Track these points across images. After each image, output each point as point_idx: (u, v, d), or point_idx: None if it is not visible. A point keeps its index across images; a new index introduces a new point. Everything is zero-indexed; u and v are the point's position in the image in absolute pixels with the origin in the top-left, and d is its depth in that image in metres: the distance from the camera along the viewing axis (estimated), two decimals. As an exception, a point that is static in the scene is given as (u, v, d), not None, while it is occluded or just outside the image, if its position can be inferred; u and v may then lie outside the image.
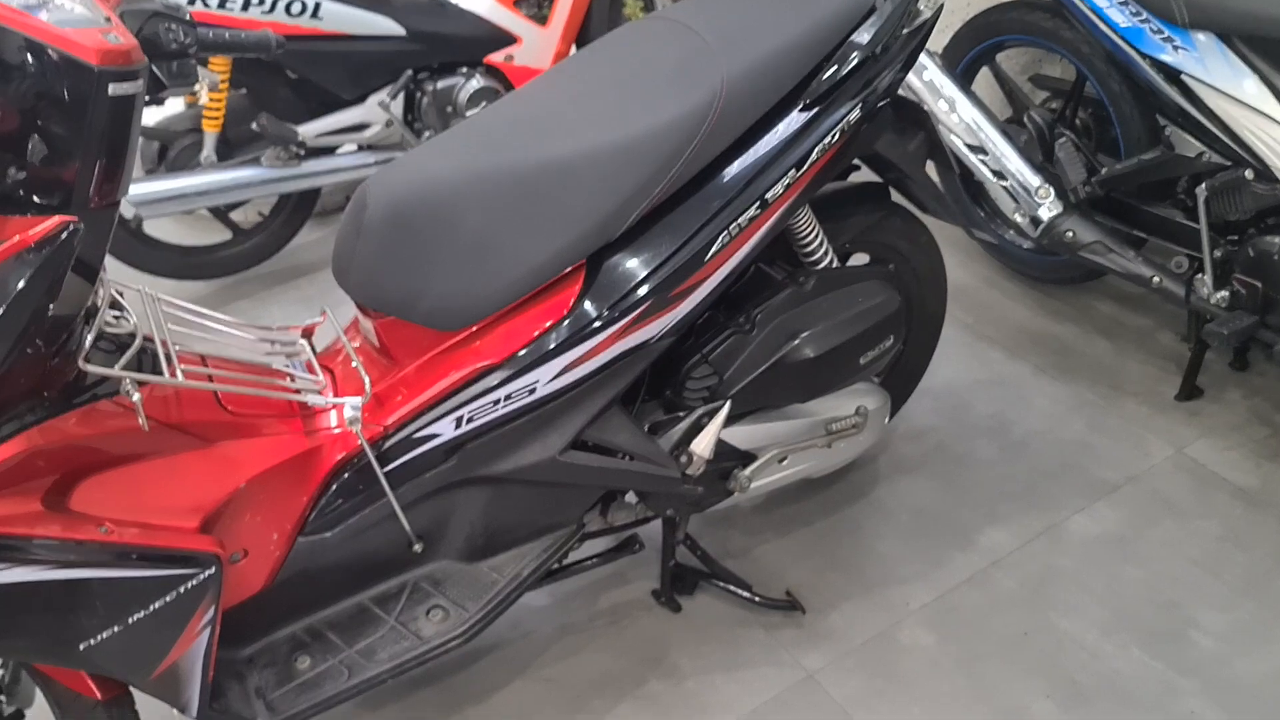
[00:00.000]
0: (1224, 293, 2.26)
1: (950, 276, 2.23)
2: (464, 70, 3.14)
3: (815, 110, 1.71)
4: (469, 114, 3.08)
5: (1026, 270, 2.89)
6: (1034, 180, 2.45)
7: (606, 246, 1.64)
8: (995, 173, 2.50)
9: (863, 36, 1.74)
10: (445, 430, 1.64)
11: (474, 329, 1.63)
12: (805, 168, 1.71)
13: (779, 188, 1.69)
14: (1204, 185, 2.21)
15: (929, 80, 2.55)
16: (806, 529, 2.28)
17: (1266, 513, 2.26)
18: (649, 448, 1.77)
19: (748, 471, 1.91)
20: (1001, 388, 2.64)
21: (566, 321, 1.63)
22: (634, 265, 1.65)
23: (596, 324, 1.64)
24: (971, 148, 2.52)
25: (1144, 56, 2.23)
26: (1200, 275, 2.29)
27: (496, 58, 3.16)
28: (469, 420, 1.64)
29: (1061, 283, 2.88)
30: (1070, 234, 2.43)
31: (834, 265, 1.94)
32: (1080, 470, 2.39)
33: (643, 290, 1.65)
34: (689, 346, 1.85)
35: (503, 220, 1.58)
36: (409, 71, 3.05)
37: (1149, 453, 2.42)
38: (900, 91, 1.87)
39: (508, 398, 1.64)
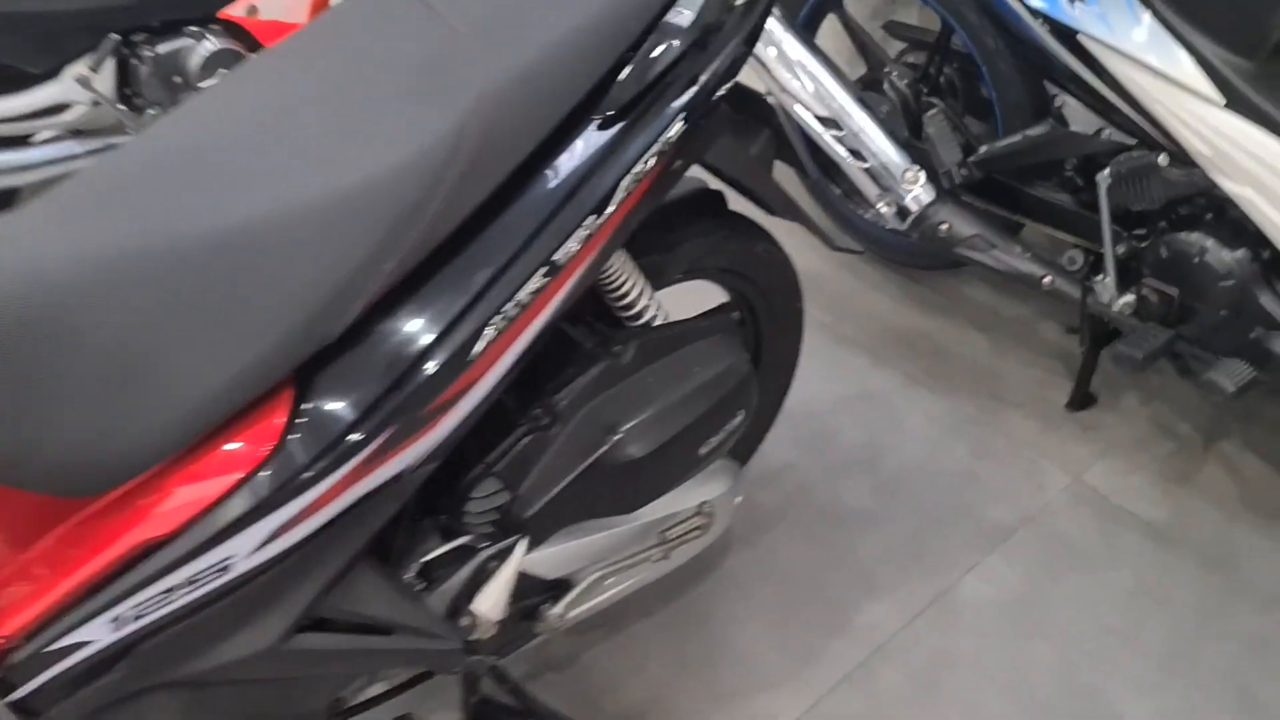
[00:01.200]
0: (1129, 298, 1.88)
1: (801, 263, 1.76)
2: (193, 29, 2.48)
3: (619, 126, 1.20)
4: (204, 84, 2.44)
5: (888, 255, 2.47)
6: (899, 161, 2.00)
7: (322, 353, 1.11)
8: (853, 151, 2.04)
9: (681, 16, 1.23)
10: (99, 635, 1.10)
11: (122, 492, 1.08)
12: (610, 210, 1.20)
13: (573, 243, 1.18)
14: (1106, 170, 1.80)
15: (767, 29, 2.05)
16: (645, 621, 1.83)
17: (1181, 553, 1.92)
18: (414, 614, 1.26)
19: (559, 608, 1.43)
20: (869, 406, 2.22)
21: (268, 469, 1.09)
22: (366, 377, 1.12)
23: (316, 467, 1.11)
24: (823, 120, 2.05)
25: (1029, 10, 1.78)
26: (1100, 276, 1.90)
27: (236, 10, 2.51)
28: (135, 618, 1.10)
29: (929, 269, 2.47)
30: (945, 226, 2.00)
31: (659, 320, 1.45)
32: (968, 512, 2.00)
33: (383, 412, 1.12)
34: (468, 449, 1.34)
35: (156, 325, 1.02)
36: (113, 35, 2.38)
37: (1043, 484, 2.05)
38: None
39: (190, 582, 1.11)
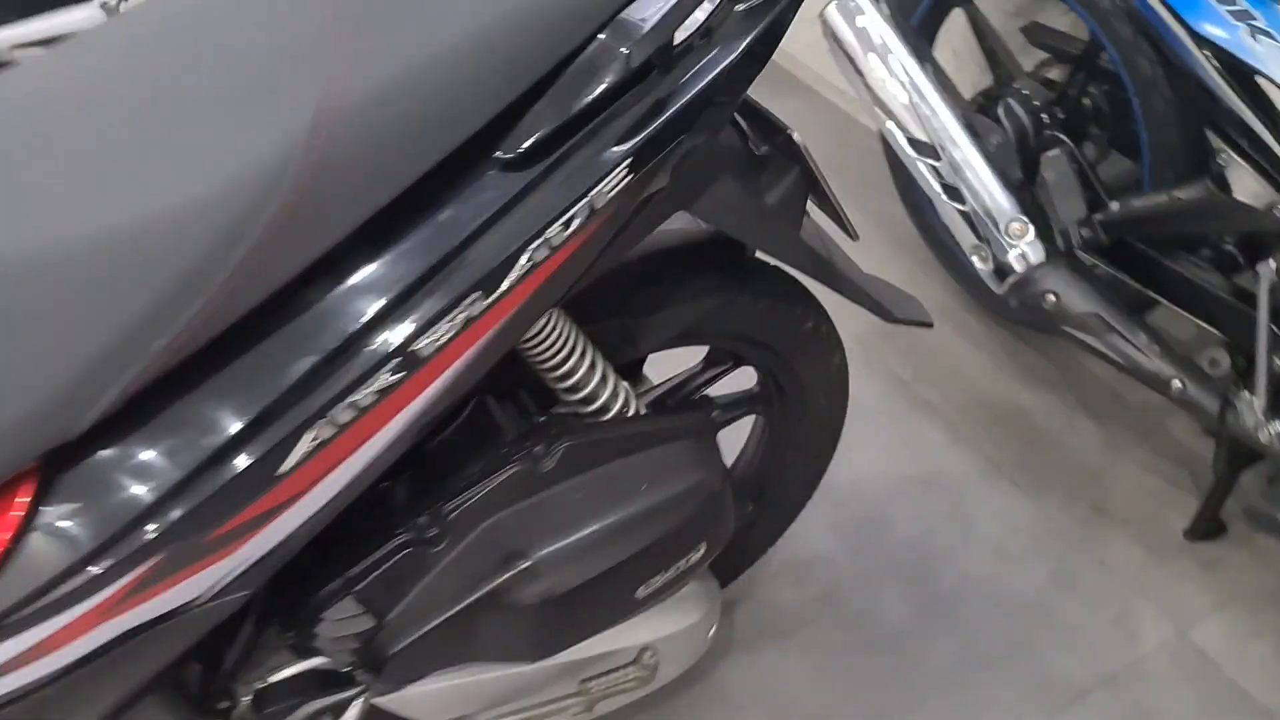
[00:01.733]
0: (1281, 426, 1.43)
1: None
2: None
3: (533, 169, 0.85)
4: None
5: (992, 303, 2.04)
6: (1005, 208, 1.58)
7: (73, 444, 0.81)
8: (949, 188, 1.63)
9: (644, 13, 0.87)
10: None
11: None
12: (504, 287, 0.86)
13: (444, 329, 0.84)
14: (1272, 261, 1.35)
15: (862, 27, 1.65)
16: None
17: (1304, 759, 1.49)
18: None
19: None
20: (935, 494, 1.83)
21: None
22: (122, 489, 0.81)
23: (54, 594, 0.81)
24: (916, 145, 1.64)
25: (1196, 37, 1.34)
26: (1247, 394, 1.46)
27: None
28: None
29: (1043, 330, 2.03)
30: (1052, 297, 1.58)
31: (623, 408, 1.10)
32: (1032, 656, 1.60)
33: (145, 535, 0.82)
34: (332, 549, 1.03)
35: None
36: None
37: (1137, 634, 1.63)
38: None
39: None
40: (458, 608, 1.01)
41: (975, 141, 1.61)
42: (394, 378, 0.84)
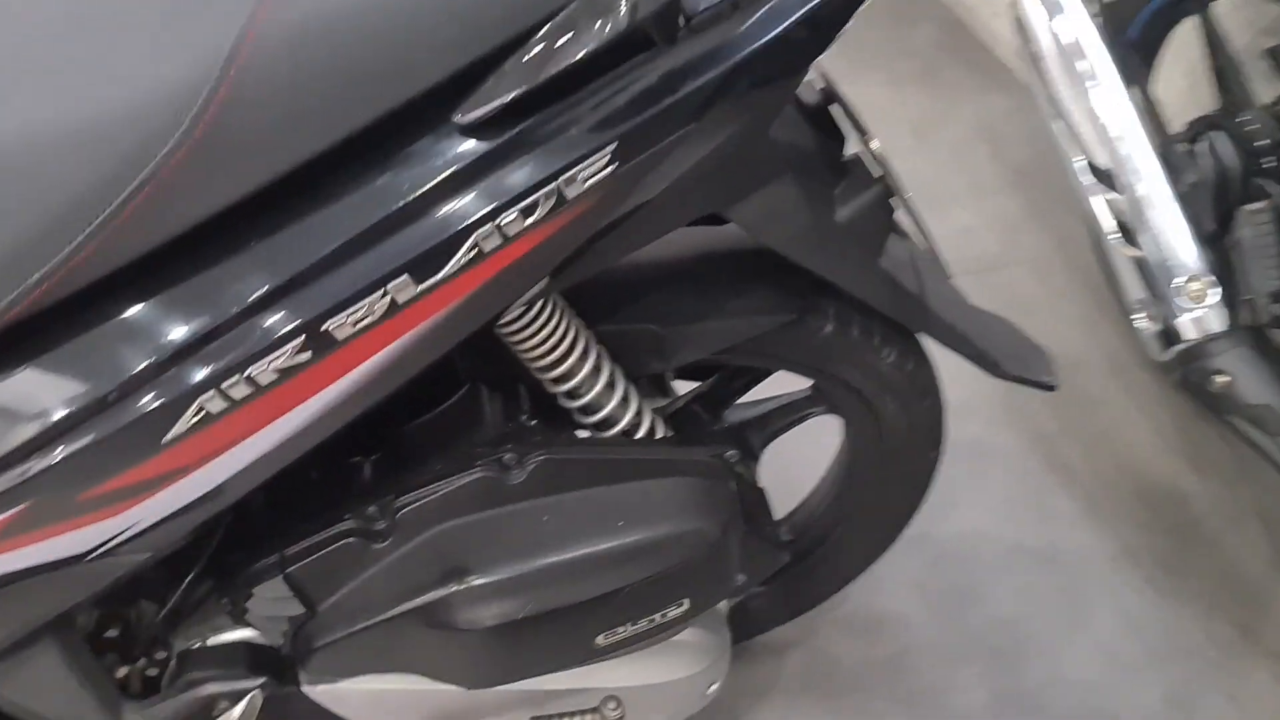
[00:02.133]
0: None
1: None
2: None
3: (499, 139, 0.71)
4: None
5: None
6: (1187, 262, 1.32)
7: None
8: (1123, 226, 1.38)
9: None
10: None
11: None
12: (442, 274, 0.72)
13: (360, 314, 0.72)
14: None
15: (1058, 24, 1.41)
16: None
17: None
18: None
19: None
20: (1050, 571, 1.58)
21: None
22: (-5, 421, 0.74)
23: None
24: (1096, 172, 1.39)
25: None
26: None
27: None
28: None
29: (1203, 409, 1.72)
30: (1224, 379, 1.31)
31: (635, 426, 0.96)
32: (1116, 790, 1.36)
33: (15, 474, 0.74)
34: (280, 522, 0.95)
35: None
36: None
37: (1256, 795, 1.36)
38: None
39: None
40: (389, 615, 0.90)
41: (1168, 178, 1.35)
42: (300, 358, 0.72)
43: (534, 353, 0.90)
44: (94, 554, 0.79)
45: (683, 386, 1.18)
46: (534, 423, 0.94)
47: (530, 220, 0.72)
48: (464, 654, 0.92)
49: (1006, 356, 1.16)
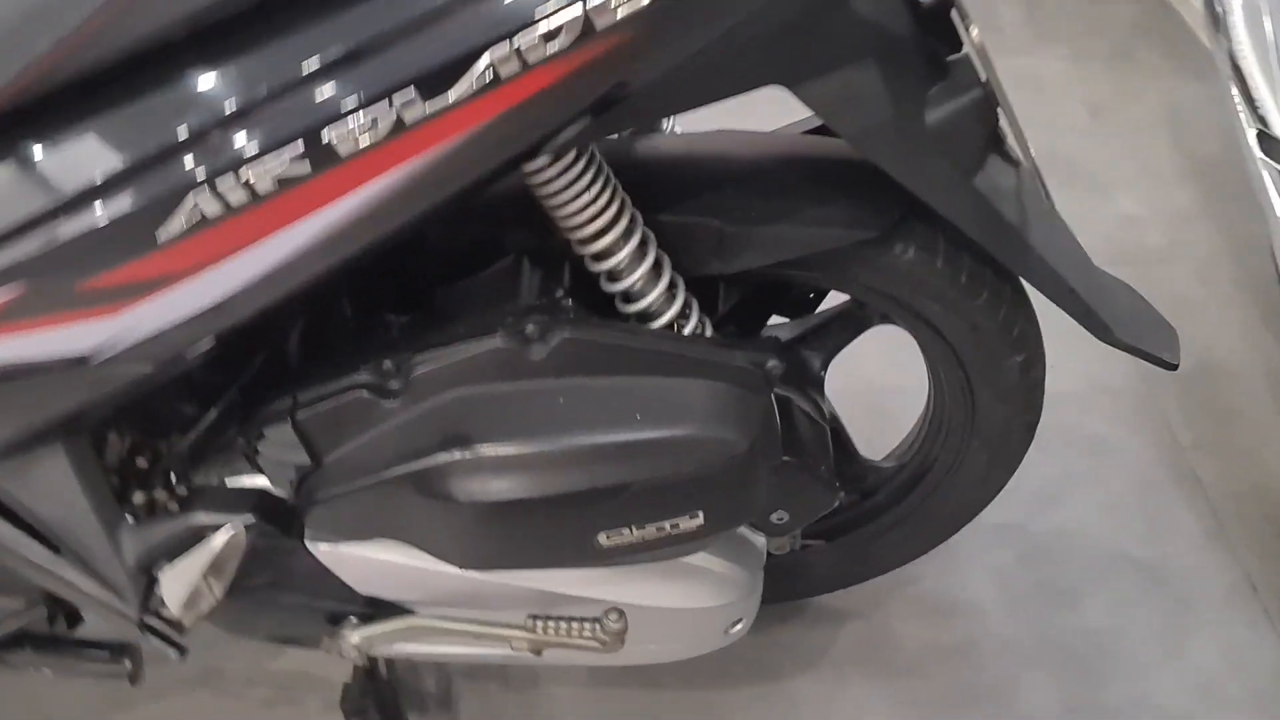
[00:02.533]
0: None
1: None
2: None
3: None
4: None
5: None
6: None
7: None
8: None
9: None
10: None
11: None
12: (458, 97, 0.67)
13: (363, 126, 0.67)
14: None
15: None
16: None
17: None
18: (88, 539, 0.89)
19: (354, 633, 0.99)
20: (1156, 588, 1.42)
21: None
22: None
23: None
24: (1265, 141, 1.23)
25: None
26: None
27: None
28: None
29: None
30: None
31: (681, 324, 0.89)
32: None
33: (10, 252, 0.73)
34: (295, 372, 0.92)
35: None
36: None
37: None
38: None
39: None
40: (389, 476, 0.87)
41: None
42: (298, 169, 0.69)
43: (566, 212, 0.84)
44: (96, 358, 0.78)
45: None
46: (569, 301, 0.88)
47: (553, 48, 0.66)
48: (460, 530, 0.87)
49: (1120, 322, 1.03)
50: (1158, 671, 1.35)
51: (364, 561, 0.94)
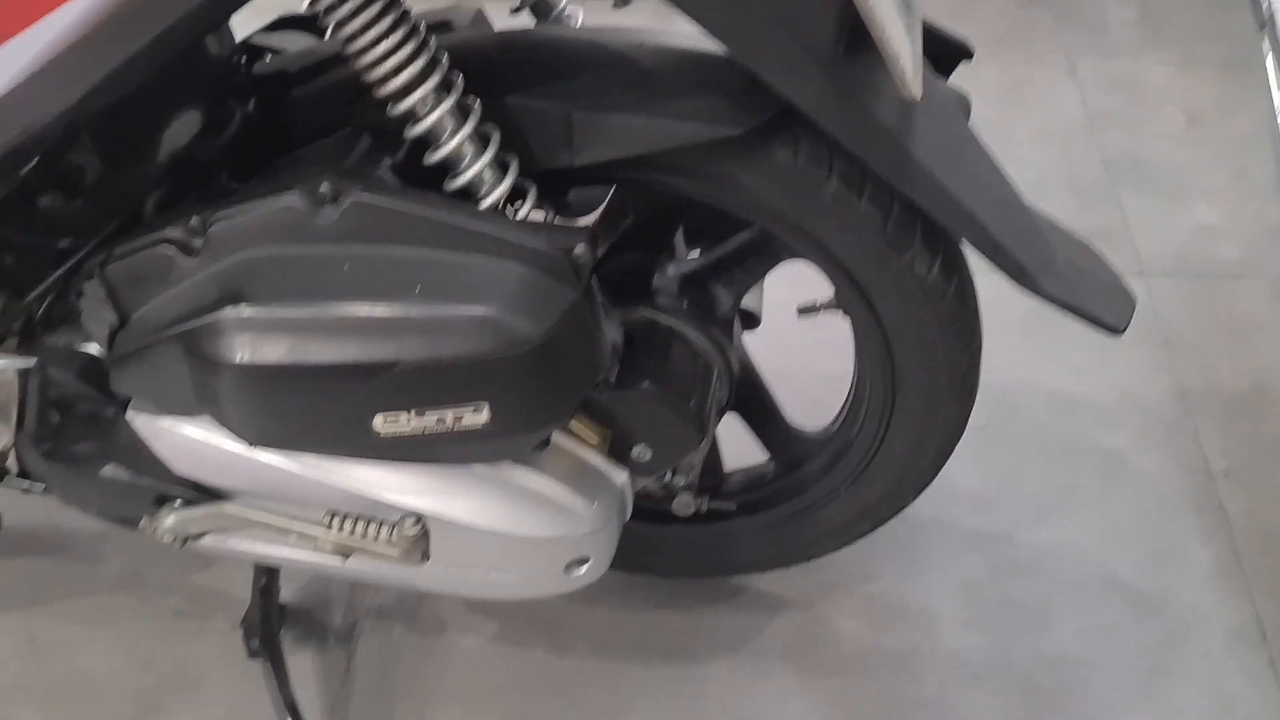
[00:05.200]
0: None
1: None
2: None
3: None
4: None
5: None
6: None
7: None
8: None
9: None
10: None
11: None
12: None
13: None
14: None
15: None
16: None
17: None
18: None
19: (169, 516, 0.94)
20: (1143, 621, 1.24)
21: None
22: None
23: None
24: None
25: None
26: None
27: None
28: None
29: None
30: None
31: (480, 190, 0.82)
32: None
33: None
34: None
35: None
36: None
37: None
38: None
39: None
40: (170, 334, 0.82)
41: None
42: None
43: (355, 46, 0.78)
44: None
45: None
46: (387, 174, 0.82)
47: None
48: (239, 398, 0.82)
49: (1056, 274, 0.90)
50: (1124, 713, 1.17)
51: (175, 436, 0.90)
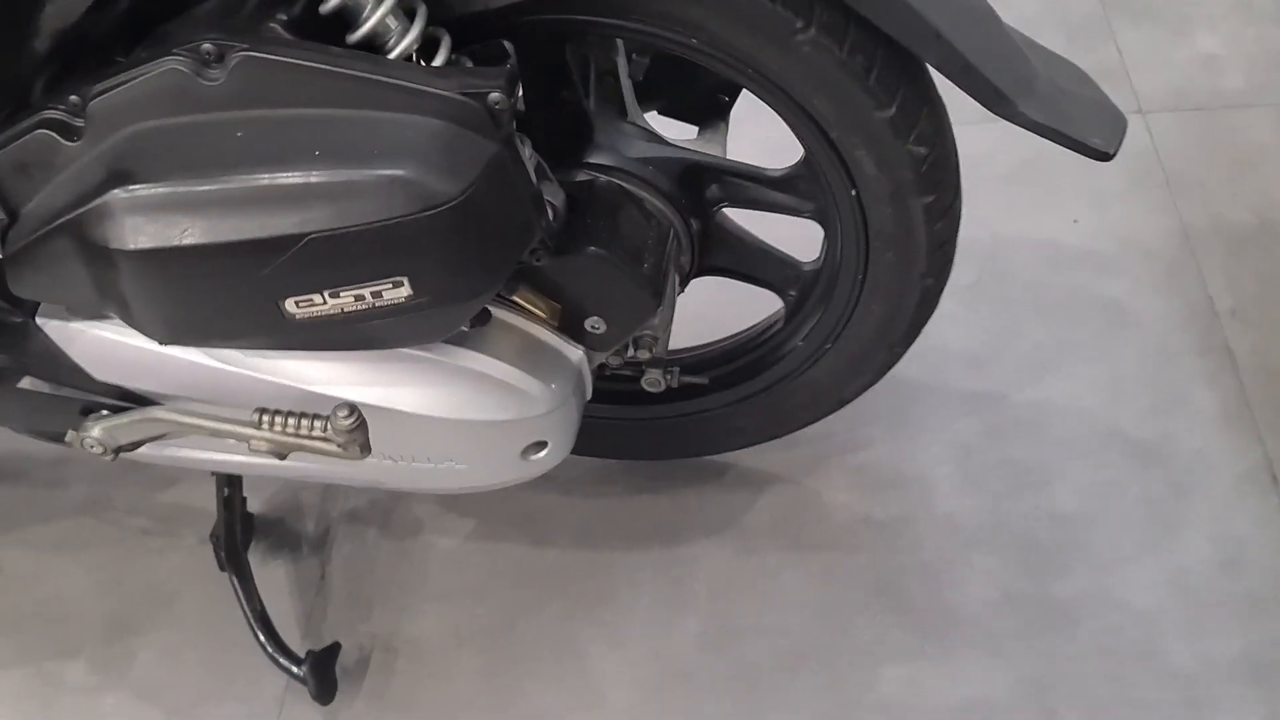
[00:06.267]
0: None
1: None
2: None
3: None
4: None
5: None
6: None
7: None
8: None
9: None
10: None
11: None
12: None
13: None
14: None
15: None
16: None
17: None
18: None
19: (96, 426, 0.88)
20: (1146, 472, 1.18)
21: None
22: None
23: None
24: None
25: None
26: None
27: None
28: None
29: None
30: None
31: (388, 42, 0.73)
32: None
33: None
34: None
35: None
36: None
37: None
38: None
39: None
40: (56, 224, 0.75)
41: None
42: None
43: None
44: None
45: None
46: (280, 29, 0.73)
47: None
48: (145, 295, 0.75)
49: (1033, 95, 0.82)
50: (1129, 565, 1.12)
51: (89, 340, 0.84)
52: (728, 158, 1.00)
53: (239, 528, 1.15)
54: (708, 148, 0.99)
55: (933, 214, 0.89)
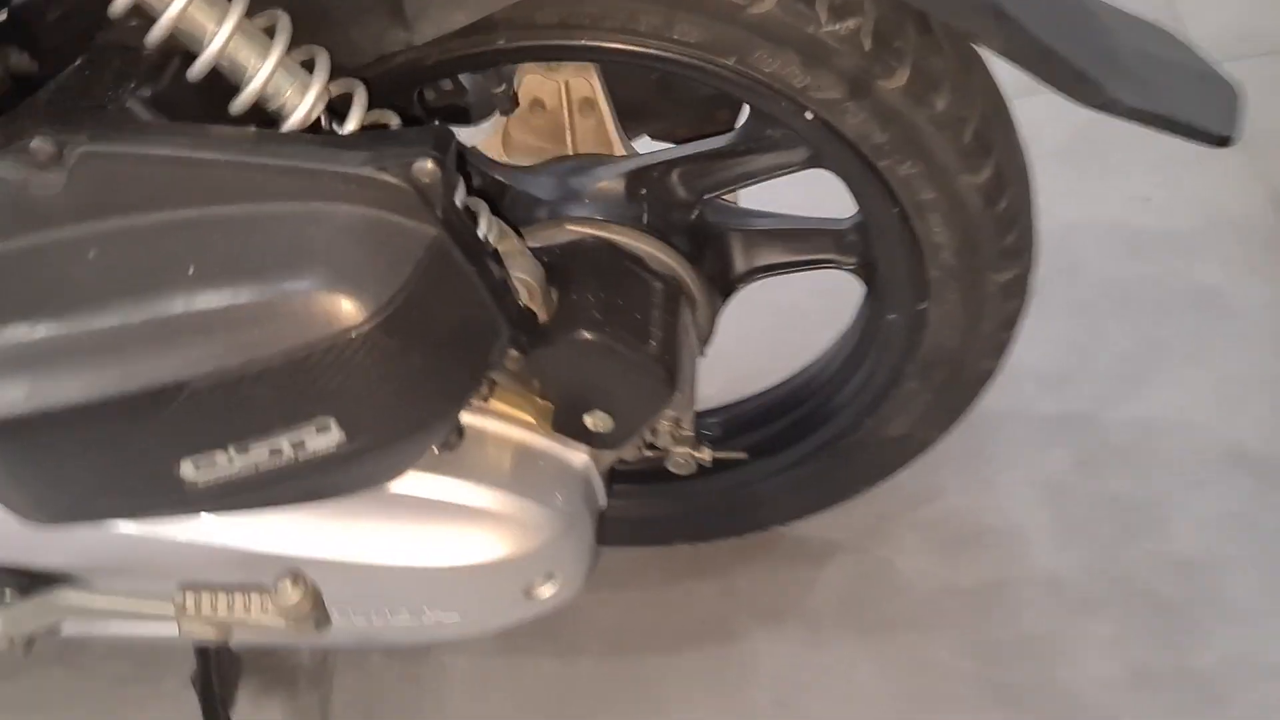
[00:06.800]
0: None
1: None
2: None
3: None
4: None
5: None
6: None
7: None
8: None
9: None
10: None
11: None
12: None
13: None
14: None
15: None
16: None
17: None
18: None
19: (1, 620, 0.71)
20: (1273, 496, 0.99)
21: None
22: None
23: None
24: None
25: None
26: None
27: None
28: None
29: None
30: None
31: (290, 105, 0.56)
32: None
33: None
34: None
35: None
36: None
37: None
38: None
39: None
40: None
41: None
42: None
43: None
44: None
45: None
46: (139, 106, 0.56)
47: None
48: (3, 473, 0.58)
49: (1128, 76, 0.64)
50: (1277, 619, 0.92)
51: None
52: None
53: (214, 669, 0.98)
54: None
55: None
